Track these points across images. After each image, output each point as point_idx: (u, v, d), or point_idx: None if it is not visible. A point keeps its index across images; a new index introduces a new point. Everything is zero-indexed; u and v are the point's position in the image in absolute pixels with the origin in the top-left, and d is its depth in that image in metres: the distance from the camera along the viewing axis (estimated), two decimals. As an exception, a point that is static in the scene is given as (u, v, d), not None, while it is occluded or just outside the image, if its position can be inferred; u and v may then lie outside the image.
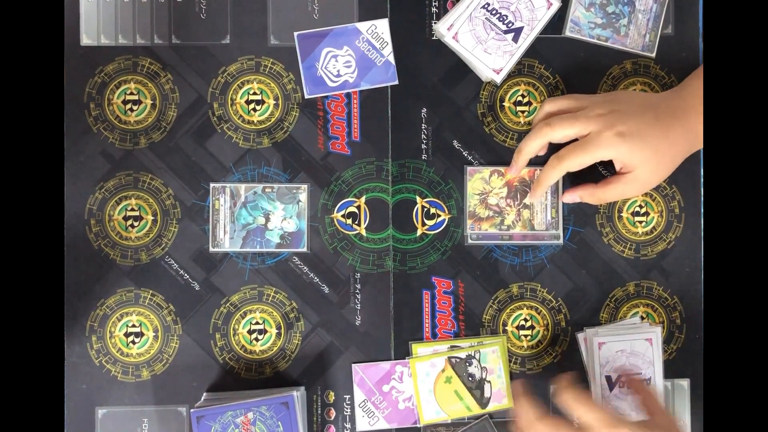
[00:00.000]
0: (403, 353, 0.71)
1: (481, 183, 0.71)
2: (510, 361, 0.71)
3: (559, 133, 0.65)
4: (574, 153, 0.64)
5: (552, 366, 0.71)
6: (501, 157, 0.72)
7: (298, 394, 0.66)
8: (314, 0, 0.72)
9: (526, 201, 0.70)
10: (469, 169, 0.71)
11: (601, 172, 0.71)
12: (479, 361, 0.71)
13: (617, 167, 0.66)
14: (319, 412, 0.70)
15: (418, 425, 0.71)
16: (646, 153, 0.64)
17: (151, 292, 0.71)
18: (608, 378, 0.68)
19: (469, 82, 0.72)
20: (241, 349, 0.71)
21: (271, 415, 0.64)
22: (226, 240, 0.71)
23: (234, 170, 0.71)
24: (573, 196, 0.69)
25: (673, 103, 0.66)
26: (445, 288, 0.71)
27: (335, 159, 0.71)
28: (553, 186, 0.71)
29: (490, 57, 0.70)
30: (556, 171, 0.66)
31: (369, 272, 0.71)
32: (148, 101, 0.71)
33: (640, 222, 0.72)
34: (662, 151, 0.64)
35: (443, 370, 0.70)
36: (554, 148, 0.67)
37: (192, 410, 0.65)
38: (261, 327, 0.71)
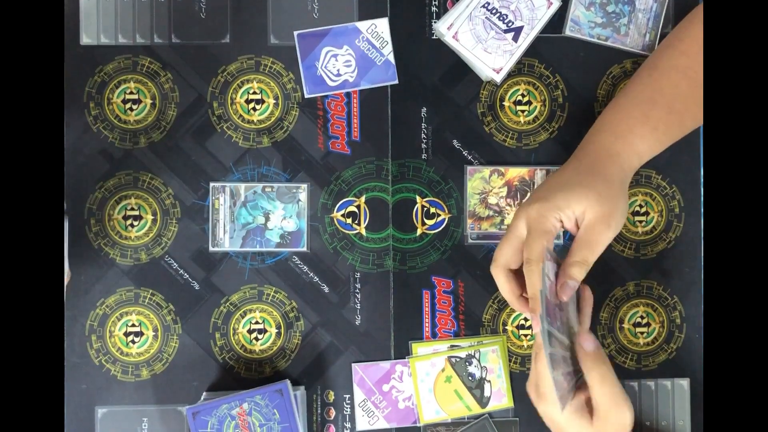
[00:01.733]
0: (403, 353, 0.71)
1: (481, 183, 0.71)
2: (510, 361, 0.71)
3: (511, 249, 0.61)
4: (533, 244, 0.59)
5: (552, 365, 0.71)
6: (501, 156, 0.72)
7: (291, 385, 0.66)
8: (314, 0, 0.72)
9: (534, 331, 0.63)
10: (469, 168, 0.71)
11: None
12: (479, 361, 0.71)
13: (568, 226, 0.61)
14: (319, 411, 0.70)
15: (417, 425, 0.71)
16: (576, 191, 0.59)
17: (150, 291, 0.71)
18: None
19: (469, 82, 0.72)
20: (240, 348, 0.71)
21: (266, 404, 0.64)
22: (225, 239, 0.71)
23: (234, 170, 0.71)
24: (564, 287, 0.59)
25: (577, 157, 0.63)
26: (445, 287, 0.71)
27: (335, 158, 0.71)
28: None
29: (490, 56, 0.70)
30: (531, 273, 0.59)
31: (369, 272, 0.71)
32: (148, 101, 0.71)
33: (640, 222, 0.72)
34: (586, 181, 0.60)
35: (443, 370, 0.70)
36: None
37: (187, 407, 0.65)
38: (261, 326, 0.71)
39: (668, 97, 0.63)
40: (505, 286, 0.62)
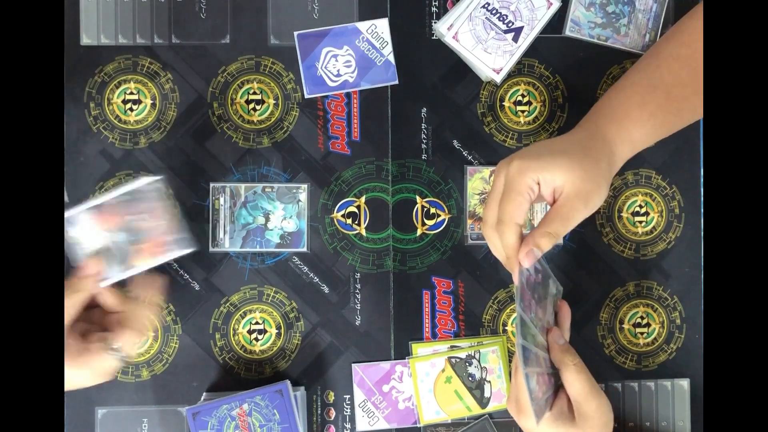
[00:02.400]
0: (403, 353, 0.71)
1: (481, 183, 0.71)
2: (510, 362, 0.71)
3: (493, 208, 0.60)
4: (508, 204, 0.58)
5: (552, 366, 0.71)
6: (501, 156, 0.72)
7: (291, 386, 0.66)
8: (314, 0, 0.72)
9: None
10: (469, 168, 0.71)
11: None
12: (479, 361, 0.71)
13: (545, 192, 0.59)
14: (319, 412, 0.70)
15: (418, 425, 0.71)
16: (561, 160, 0.58)
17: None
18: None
19: (469, 82, 0.72)
20: (240, 349, 0.71)
21: (266, 404, 0.64)
22: (226, 240, 0.71)
23: (234, 170, 0.71)
24: (529, 254, 0.58)
25: (573, 132, 0.63)
26: (445, 288, 0.71)
27: (335, 159, 0.71)
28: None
29: (490, 56, 0.70)
30: (509, 233, 0.58)
31: (369, 272, 0.71)
32: (148, 101, 0.71)
33: (640, 222, 0.72)
34: (574, 153, 0.59)
35: (443, 370, 0.70)
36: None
37: (187, 408, 0.65)
38: (261, 327, 0.71)
39: (668, 84, 0.62)
40: (496, 244, 0.61)
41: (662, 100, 0.62)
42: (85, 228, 0.62)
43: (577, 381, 0.60)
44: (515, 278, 0.59)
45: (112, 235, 0.62)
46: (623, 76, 0.65)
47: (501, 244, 0.59)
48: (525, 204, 0.58)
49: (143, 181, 0.62)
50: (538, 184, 0.58)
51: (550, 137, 0.72)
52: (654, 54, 0.64)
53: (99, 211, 0.62)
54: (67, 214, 0.61)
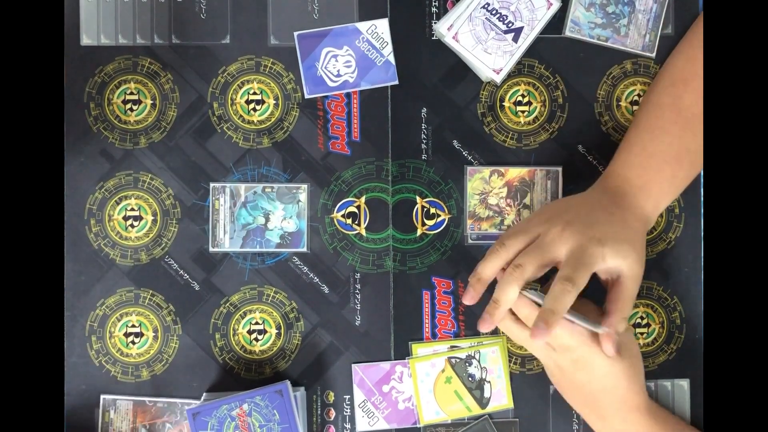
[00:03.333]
0: (402, 353, 0.71)
1: (481, 183, 0.71)
2: (510, 361, 0.71)
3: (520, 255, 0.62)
4: (583, 272, 0.59)
5: (552, 366, 0.71)
6: (501, 157, 0.72)
7: (291, 386, 0.66)
8: (314, 0, 0.72)
9: (482, 330, 0.63)
10: (469, 169, 0.71)
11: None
12: (479, 362, 0.71)
13: (603, 277, 0.64)
14: (319, 412, 0.70)
15: (417, 425, 0.71)
16: (624, 246, 0.61)
17: (150, 292, 0.71)
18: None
19: (469, 82, 0.72)
20: (240, 349, 0.71)
21: (266, 404, 0.64)
22: (226, 240, 0.71)
23: (234, 170, 0.71)
24: (611, 344, 0.61)
25: (608, 196, 0.65)
26: (445, 288, 0.71)
27: (335, 159, 0.71)
28: (553, 186, 0.71)
29: (490, 57, 0.70)
30: (570, 294, 0.59)
31: (369, 272, 0.71)
32: (148, 101, 0.71)
33: (640, 222, 0.72)
34: (630, 238, 0.62)
35: (443, 371, 0.70)
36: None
37: (187, 408, 0.65)
38: (261, 327, 0.71)
39: (693, 154, 0.66)
40: (510, 298, 0.62)
41: (687, 171, 0.67)
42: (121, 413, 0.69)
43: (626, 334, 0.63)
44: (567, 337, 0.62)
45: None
46: (647, 125, 0.67)
47: (557, 303, 0.58)
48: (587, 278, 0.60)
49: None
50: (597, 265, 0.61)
51: (550, 137, 0.72)
52: (675, 109, 0.66)
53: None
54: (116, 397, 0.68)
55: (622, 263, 0.61)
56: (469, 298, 0.64)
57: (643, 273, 0.63)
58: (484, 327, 0.62)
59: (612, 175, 0.67)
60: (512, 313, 0.64)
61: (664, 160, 0.66)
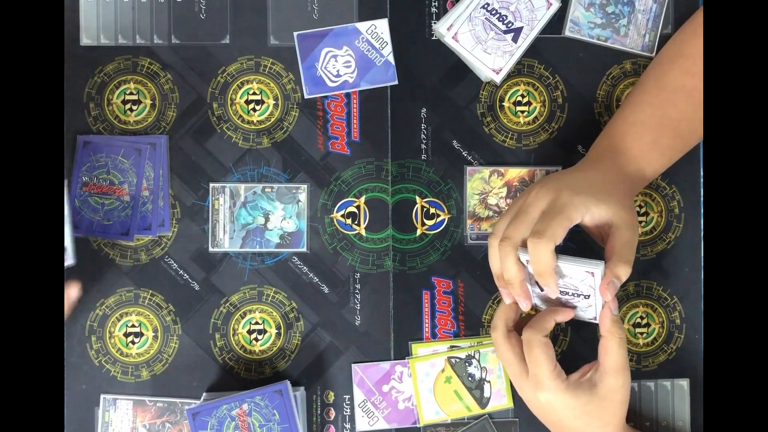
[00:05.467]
0: (402, 353, 0.71)
1: (481, 183, 0.71)
2: (510, 361, 0.71)
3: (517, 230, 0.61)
4: (554, 222, 0.59)
5: (552, 366, 0.71)
6: (501, 157, 0.72)
7: (291, 386, 0.66)
8: (314, 0, 0.72)
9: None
10: (468, 169, 0.71)
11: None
12: (479, 361, 0.71)
13: (596, 232, 0.64)
14: (319, 412, 0.70)
15: (417, 425, 0.71)
16: (603, 195, 0.61)
17: (150, 292, 0.71)
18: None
19: (469, 82, 0.72)
20: (240, 349, 0.71)
21: (266, 404, 0.64)
22: (225, 240, 0.71)
23: (234, 170, 0.71)
24: (610, 286, 0.60)
25: (588, 162, 0.66)
26: (445, 288, 0.71)
27: (335, 159, 0.71)
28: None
29: (490, 57, 0.70)
30: (539, 245, 0.58)
31: (369, 272, 0.71)
32: (148, 101, 0.71)
33: (640, 222, 0.72)
34: (608, 189, 0.62)
35: (443, 370, 0.70)
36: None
37: (187, 408, 0.65)
38: (260, 327, 0.71)
39: (675, 121, 0.66)
40: (510, 261, 0.61)
41: (671, 139, 0.66)
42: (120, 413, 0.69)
43: (617, 354, 0.61)
44: (552, 292, 0.60)
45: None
46: (633, 104, 0.67)
47: (534, 259, 0.58)
48: (568, 228, 0.59)
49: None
50: (580, 217, 0.60)
51: (549, 137, 0.72)
52: (660, 84, 0.67)
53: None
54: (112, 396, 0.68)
55: (606, 211, 0.60)
56: (506, 296, 0.64)
57: (638, 225, 0.63)
58: (522, 306, 0.62)
59: (593, 147, 0.68)
60: (520, 349, 0.63)
61: (644, 128, 0.65)
